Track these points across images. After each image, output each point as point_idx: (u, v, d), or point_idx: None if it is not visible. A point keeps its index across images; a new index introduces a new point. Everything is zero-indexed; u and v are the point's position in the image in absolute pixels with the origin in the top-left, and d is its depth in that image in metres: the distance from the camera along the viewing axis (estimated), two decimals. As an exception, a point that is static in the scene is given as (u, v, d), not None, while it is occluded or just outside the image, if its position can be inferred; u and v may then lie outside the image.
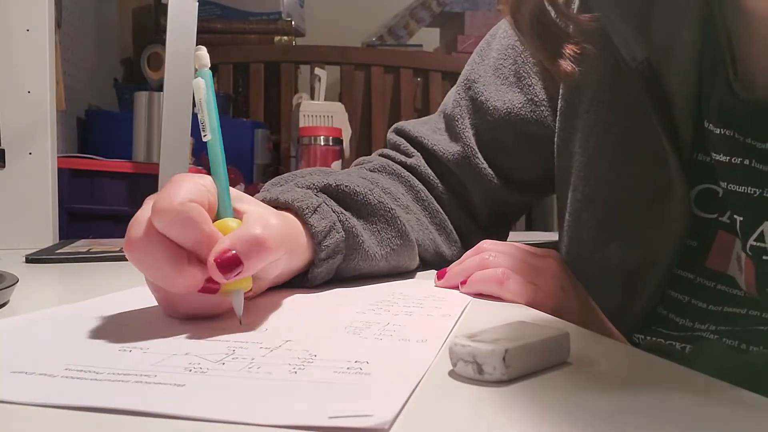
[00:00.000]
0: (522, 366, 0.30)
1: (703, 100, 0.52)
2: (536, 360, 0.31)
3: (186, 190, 0.38)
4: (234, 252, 0.37)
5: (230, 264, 0.37)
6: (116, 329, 0.37)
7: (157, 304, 0.41)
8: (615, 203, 0.57)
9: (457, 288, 0.53)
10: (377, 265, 0.56)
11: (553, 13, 0.54)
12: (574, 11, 0.58)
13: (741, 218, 0.50)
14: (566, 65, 0.54)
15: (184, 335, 0.36)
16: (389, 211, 0.57)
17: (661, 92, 0.53)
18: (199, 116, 0.42)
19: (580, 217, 0.59)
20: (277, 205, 0.50)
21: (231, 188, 0.42)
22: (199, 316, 0.40)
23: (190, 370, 0.29)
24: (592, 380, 0.31)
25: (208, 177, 0.41)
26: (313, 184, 0.54)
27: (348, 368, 0.30)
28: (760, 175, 0.48)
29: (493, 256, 0.53)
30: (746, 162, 0.49)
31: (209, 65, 0.43)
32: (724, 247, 0.52)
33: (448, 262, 0.69)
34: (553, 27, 0.54)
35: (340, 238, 0.52)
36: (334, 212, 0.52)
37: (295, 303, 0.48)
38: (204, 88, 0.42)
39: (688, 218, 0.52)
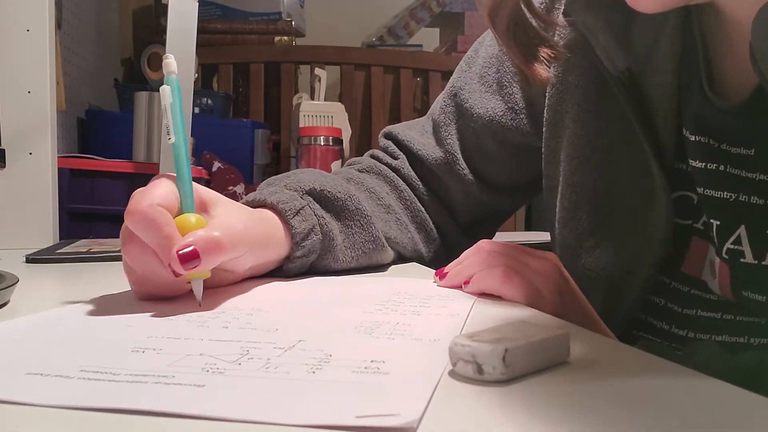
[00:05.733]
0: (522, 366, 0.30)
1: (682, 109, 0.53)
2: (536, 360, 0.31)
3: (156, 194, 0.44)
4: (193, 248, 0.43)
5: (188, 258, 0.43)
6: (124, 329, 0.37)
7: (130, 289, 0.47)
8: (601, 211, 0.58)
9: (458, 288, 0.53)
10: (347, 266, 0.62)
11: (530, 18, 0.56)
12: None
13: (717, 222, 0.51)
14: (541, 69, 0.57)
15: (194, 336, 0.36)
16: (365, 218, 0.63)
17: (643, 101, 0.54)
18: (164, 120, 0.47)
19: (566, 224, 0.61)
20: (264, 205, 0.56)
21: (209, 189, 0.49)
22: (163, 295, 0.46)
23: (207, 371, 0.29)
24: (592, 380, 0.31)
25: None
26: (300, 187, 0.59)
27: (365, 368, 0.30)
28: (734, 179, 0.49)
29: (492, 256, 0.53)
30: (721, 167, 0.50)
31: (176, 72, 0.48)
32: (698, 253, 0.53)
33: (425, 260, 0.72)
34: (530, 31, 0.56)
35: (317, 240, 0.57)
36: (315, 215, 0.58)
37: (302, 301, 0.49)
38: (170, 94, 0.46)
39: (670, 225, 0.53)
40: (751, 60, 0.43)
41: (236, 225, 0.48)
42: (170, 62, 0.47)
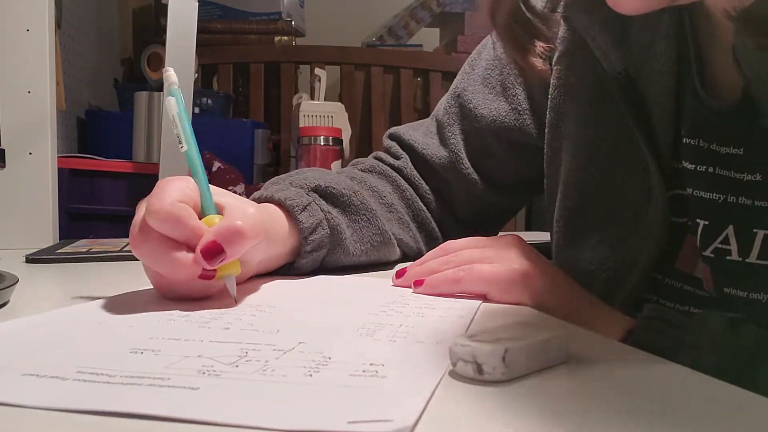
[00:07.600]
0: (521, 366, 0.30)
1: (681, 110, 0.54)
2: (536, 360, 0.31)
3: (173, 192, 0.44)
4: (216, 241, 0.43)
5: (213, 252, 0.43)
6: (125, 330, 0.37)
7: (151, 290, 0.48)
8: (603, 209, 0.59)
9: (412, 287, 0.53)
10: (358, 260, 0.63)
11: (528, 15, 0.57)
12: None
13: (706, 222, 0.52)
14: (537, 62, 0.58)
15: (195, 337, 0.36)
16: (370, 212, 0.64)
17: (641, 101, 0.55)
18: (174, 131, 0.49)
19: (567, 224, 0.61)
20: (271, 202, 0.57)
21: (210, 185, 0.48)
22: (193, 297, 0.46)
23: (204, 373, 0.29)
24: (591, 380, 0.31)
25: (191, 179, 0.47)
26: (306, 184, 0.60)
27: (363, 371, 0.30)
28: (724, 181, 0.50)
29: (454, 257, 0.54)
30: (710, 170, 0.51)
31: (178, 83, 0.49)
32: (693, 250, 0.54)
33: None
34: (527, 25, 0.58)
35: (325, 234, 0.58)
36: (322, 211, 0.59)
37: (307, 301, 0.49)
38: (176, 105, 0.48)
39: (666, 222, 0.54)
40: (733, 58, 0.44)
41: (250, 210, 0.48)
42: (171, 74, 0.49)
